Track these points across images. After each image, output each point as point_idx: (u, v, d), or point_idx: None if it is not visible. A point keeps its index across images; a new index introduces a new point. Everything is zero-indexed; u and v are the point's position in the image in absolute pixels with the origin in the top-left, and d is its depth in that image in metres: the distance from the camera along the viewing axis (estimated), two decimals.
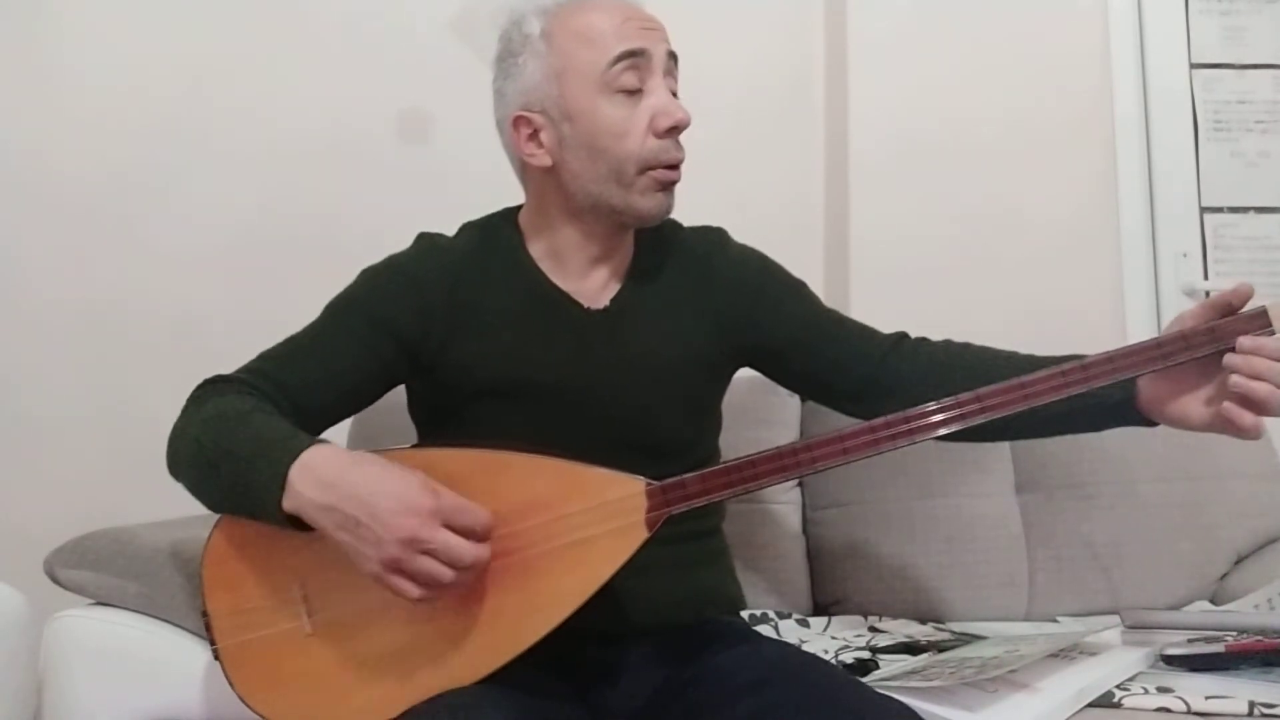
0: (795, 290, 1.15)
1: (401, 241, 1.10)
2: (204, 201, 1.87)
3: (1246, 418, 0.87)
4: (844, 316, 1.14)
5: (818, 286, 1.93)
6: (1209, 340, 0.89)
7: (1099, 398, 0.94)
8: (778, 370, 1.14)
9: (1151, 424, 0.97)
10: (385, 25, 1.90)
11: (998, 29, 1.90)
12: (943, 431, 0.89)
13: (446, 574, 0.83)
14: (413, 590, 0.83)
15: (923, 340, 1.10)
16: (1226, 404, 0.88)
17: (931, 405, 0.90)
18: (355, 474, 0.84)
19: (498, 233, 1.09)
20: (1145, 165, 1.94)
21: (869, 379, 1.07)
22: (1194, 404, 0.92)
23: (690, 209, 1.07)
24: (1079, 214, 1.90)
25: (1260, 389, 0.86)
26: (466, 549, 0.83)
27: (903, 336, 1.10)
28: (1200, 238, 1.93)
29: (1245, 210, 1.95)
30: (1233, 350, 0.88)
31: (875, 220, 1.88)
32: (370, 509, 0.82)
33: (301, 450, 0.86)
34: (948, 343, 1.09)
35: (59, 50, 1.86)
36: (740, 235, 1.18)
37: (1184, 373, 0.92)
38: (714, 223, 1.17)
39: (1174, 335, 0.90)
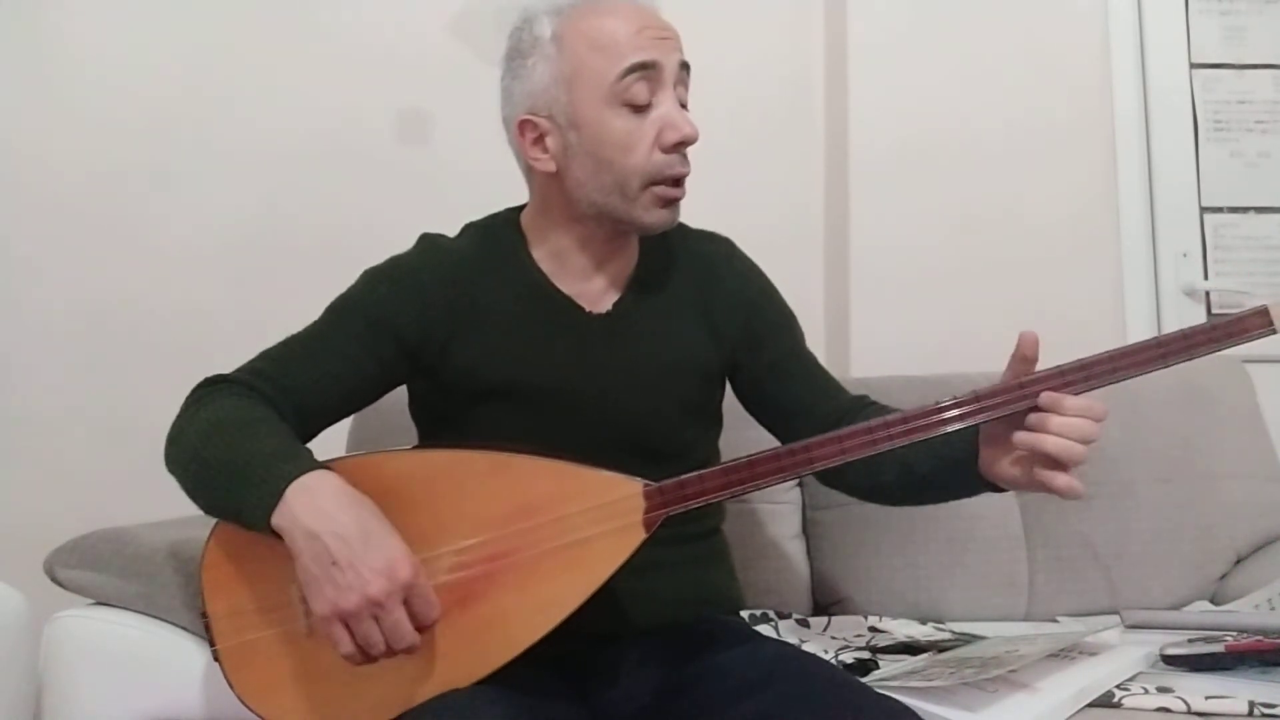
0: (789, 322, 1.16)
1: (402, 241, 1.10)
2: (205, 201, 1.87)
3: (1059, 478, 0.86)
4: (821, 366, 1.16)
5: (818, 289, 1.95)
6: (1208, 340, 0.89)
7: (950, 460, 0.95)
8: (748, 391, 1.15)
9: (998, 489, 0.95)
10: (386, 25, 1.90)
11: (997, 31, 1.90)
12: (941, 430, 0.89)
13: (381, 646, 0.83)
14: (347, 647, 0.83)
15: (880, 405, 1.10)
16: (1036, 467, 0.88)
17: (931, 404, 0.90)
18: (351, 515, 0.84)
19: (500, 234, 1.09)
20: (1145, 165, 1.94)
21: (829, 427, 1.06)
22: (1008, 463, 0.91)
23: (691, 214, 1.07)
24: (1079, 215, 1.90)
25: (1049, 442, 0.85)
26: (409, 636, 0.83)
27: (865, 398, 1.12)
28: (1200, 238, 1.93)
29: (1245, 210, 1.95)
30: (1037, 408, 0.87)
31: (875, 223, 1.88)
32: (352, 555, 0.82)
33: (305, 471, 0.86)
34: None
35: (60, 50, 1.87)
36: (740, 239, 1.18)
37: (1000, 431, 0.91)
38: (714, 225, 1.17)
39: (1175, 334, 0.90)
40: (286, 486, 0.85)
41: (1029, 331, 0.89)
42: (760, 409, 1.15)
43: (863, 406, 1.10)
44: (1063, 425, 0.85)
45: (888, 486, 1.05)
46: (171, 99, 1.87)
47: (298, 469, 0.86)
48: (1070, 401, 0.86)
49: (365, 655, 0.84)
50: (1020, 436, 0.87)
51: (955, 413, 0.88)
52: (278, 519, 0.85)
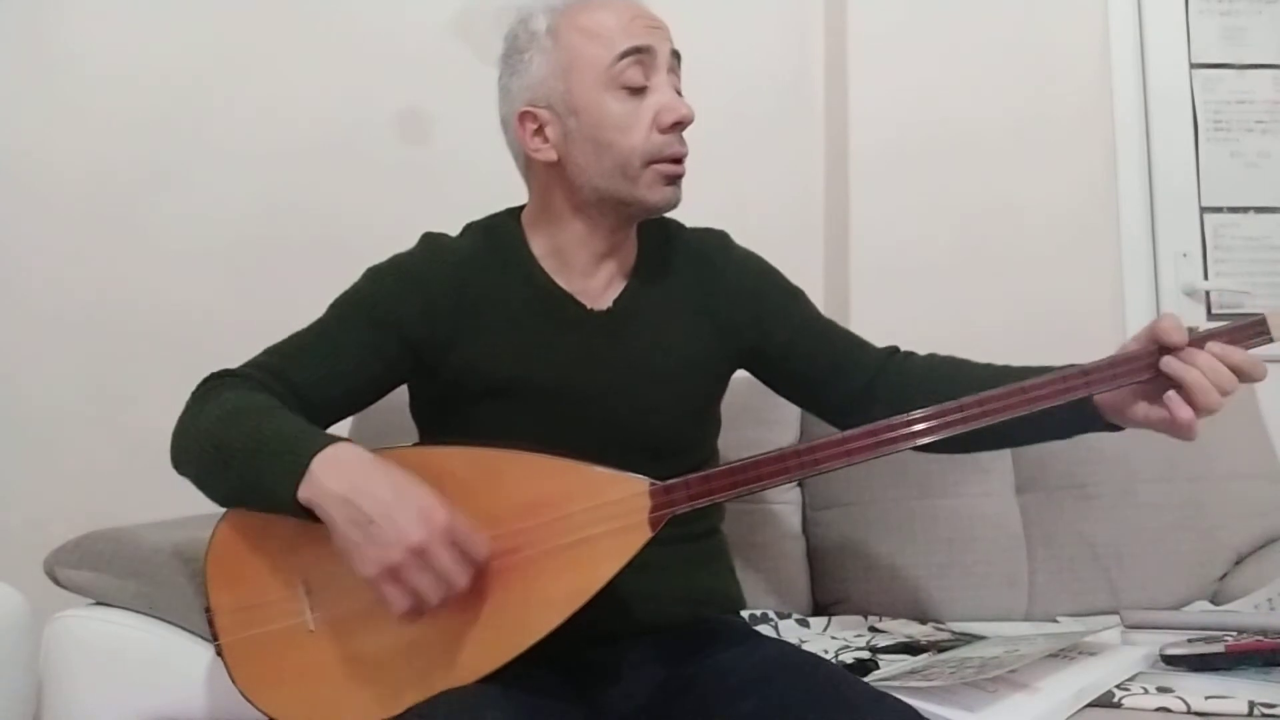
0: (795, 296, 1.16)
1: (403, 240, 1.10)
2: (206, 200, 1.87)
3: (1184, 411, 0.89)
4: (840, 327, 1.16)
5: (818, 284, 1.95)
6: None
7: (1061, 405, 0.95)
8: (774, 374, 1.15)
9: (1114, 428, 0.98)
10: (386, 24, 1.90)
11: (998, 29, 1.90)
12: (941, 435, 0.90)
13: (437, 594, 0.83)
14: (402, 603, 0.83)
15: (912, 354, 1.12)
16: (1168, 395, 0.90)
17: (931, 410, 0.90)
18: (379, 474, 0.85)
19: (501, 233, 1.09)
20: (1145, 165, 1.94)
21: (863, 388, 1.09)
22: (1141, 402, 0.94)
23: (690, 208, 1.07)
24: (1079, 214, 1.90)
25: (1191, 375, 0.88)
26: (461, 576, 0.83)
27: (895, 350, 1.12)
28: (1200, 238, 1.93)
29: (1245, 210, 1.95)
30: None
31: (875, 220, 1.88)
32: (387, 510, 0.82)
33: (328, 444, 0.87)
34: (935, 355, 1.11)
35: (61, 48, 1.86)
36: (740, 234, 1.18)
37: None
38: (714, 221, 1.17)
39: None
40: (311, 459, 0.85)
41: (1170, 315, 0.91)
42: (791, 386, 1.16)
43: (892, 361, 1.10)
44: (1208, 364, 0.88)
45: (981, 437, 1.01)
46: (172, 97, 1.87)
47: (320, 442, 0.87)
48: (1211, 345, 0.89)
49: (420, 609, 0.83)
50: (1169, 361, 0.89)
51: (937, 421, 0.90)
52: (305, 492, 0.85)
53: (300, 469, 0.85)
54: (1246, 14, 1.98)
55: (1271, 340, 0.91)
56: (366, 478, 0.84)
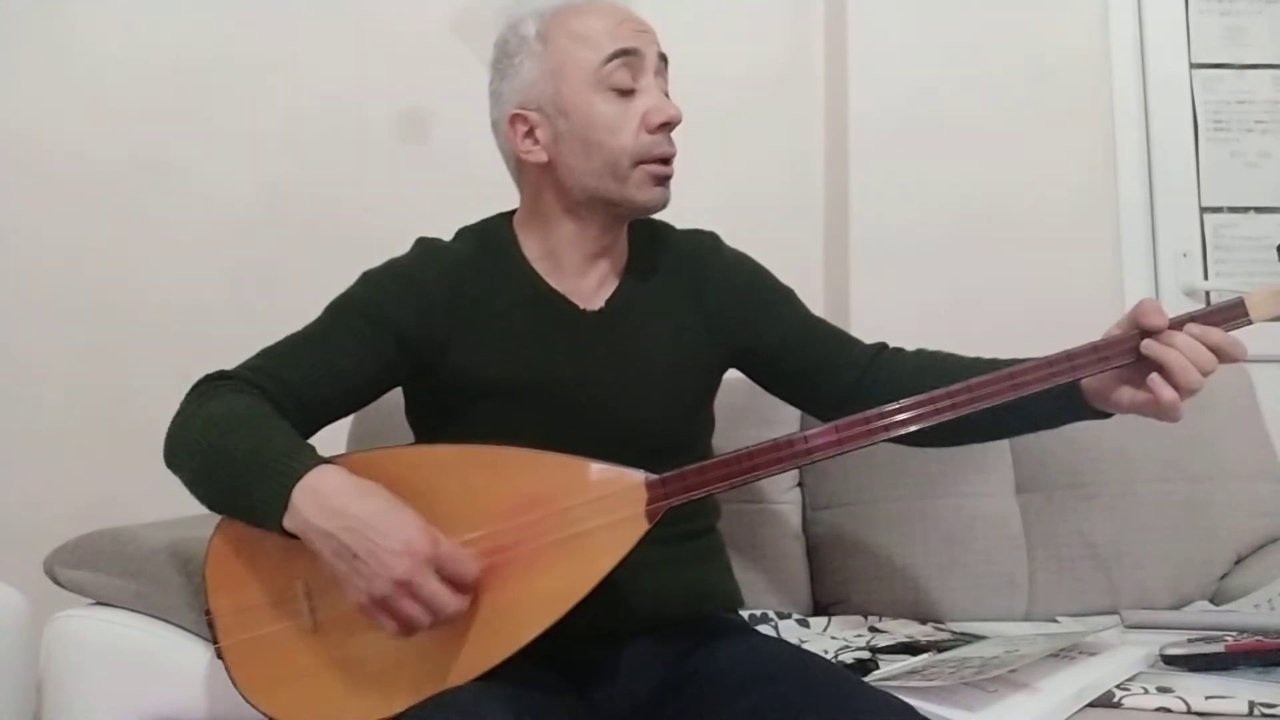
0: (785, 296, 1.17)
1: (405, 229, 1.11)
2: (208, 192, 1.87)
3: (1167, 391, 0.89)
4: (829, 324, 1.16)
5: (817, 268, 1.95)
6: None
7: (1051, 394, 0.96)
8: (765, 373, 1.16)
9: (1102, 415, 0.98)
10: (392, 17, 1.91)
11: (999, 28, 1.90)
12: (931, 422, 0.90)
13: (425, 621, 0.84)
14: (392, 627, 0.85)
15: (900, 349, 1.12)
16: (1150, 377, 0.90)
17: (921, 397, 0.91)
18: (359, 506, 0.85)
19: (494, 236, 1.10)
20: (1145, 165, 1.93)
21: (853, 384, 1.09)
22: (1125, 387, 0.94)
23: (691, 191, 1.08)
24: (1078, 214, 1.90)
25: (1171, 356, 0.88)
26: (450, 602, 0.84)
27: (883, 345, 1.13)
28: (1200, 238, 1.93)
29: (1245, 210, 1.95)
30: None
31: (875, 203, 1.87)
32: (369, 544, 0.83)
33: (306, 471, 0.87)
34: (923, 350, 1.12)
35: (68, 36, 1.87)
36: (739, 218, 1.18)
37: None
38: (714, 205, 1.19)
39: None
40: (292, 489, 0.85)
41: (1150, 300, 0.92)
42: (782, 385, 1.16)
43: (880, 357, 1.11)
44: (1187, 344, 0.88)
45: (974, 426, 1.02)
46: (177, 88, 1.87)
47: (301, 468, 0.87)
48: (1189, 326, 0.89)
49: (413, 631, 0.85)
50: (1149, 344, 0.90)
51: (933, 406, 0.90)
52: (289, 523, 0.86)
53: (283, 498, 0.86)
54: (1246, 14, 1.98)
55: (1250, 322, 0.92)
56: (347, 509, 0.85)
